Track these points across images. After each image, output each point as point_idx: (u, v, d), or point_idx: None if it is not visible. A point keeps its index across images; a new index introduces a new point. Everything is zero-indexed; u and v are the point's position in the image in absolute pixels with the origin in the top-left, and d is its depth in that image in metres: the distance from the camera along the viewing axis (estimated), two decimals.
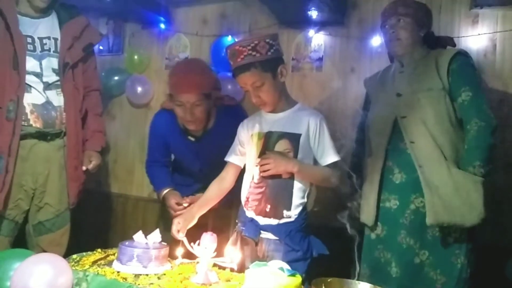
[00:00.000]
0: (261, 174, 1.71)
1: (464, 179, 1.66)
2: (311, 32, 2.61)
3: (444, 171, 1.68)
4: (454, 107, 1.72)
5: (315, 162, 1.77)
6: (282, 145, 1.73)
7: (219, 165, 1.91)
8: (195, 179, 2.15)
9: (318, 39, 2.63)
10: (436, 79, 1.74)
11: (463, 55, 1.77)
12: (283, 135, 1.74)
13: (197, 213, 1.84)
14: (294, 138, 1.73)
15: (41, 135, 1.99)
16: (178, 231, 1.73)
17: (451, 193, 1.66)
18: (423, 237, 1.72)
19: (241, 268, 1.47)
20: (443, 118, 1.71)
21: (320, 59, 2.63)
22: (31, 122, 1.95)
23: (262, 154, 1.75)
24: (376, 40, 2.44)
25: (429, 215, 1.67)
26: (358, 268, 1.50)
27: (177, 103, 1.94)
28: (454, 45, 1.91)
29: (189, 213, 1.83)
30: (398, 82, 1.87)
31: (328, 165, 1.74)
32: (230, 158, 1.88)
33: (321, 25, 2.59)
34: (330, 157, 1.73)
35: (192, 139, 2.07)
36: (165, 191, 2.08)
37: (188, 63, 2.14)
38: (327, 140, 1.75)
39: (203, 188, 1.98)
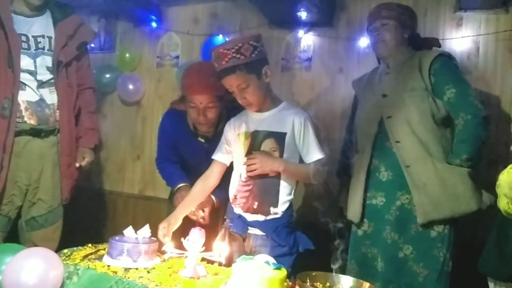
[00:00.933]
0: (248, 174, 1.75)
1: (450, 173, 1.72)
2: (301, 33, 2.65)
3: (430, 168, 1.73)
4: (437, 106, 1.77)
5: (301, 160, 1.81)
6: (268, 144, 1.77)
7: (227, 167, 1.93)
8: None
9: (307, 39, 2.67)
10: (419, 80, 1.79)
11: (445, 56, 1.83)
12: (269, 134, 1.78)
13: (180, 215, 1.85)
14: (279, 137, 1.76)
15: (35, 132, 2.01)
16: (164, 235, 1.74)
17: (438, 189, 1.71)
18: (407, 232, 1.78)
19: (229, 263, 1.51)
20: (427, 117, 1.76)
21: (309, 59, 2.67)
22: (26, 119, 1.97)
23: (249, 153, 1.78)
24: (364, 41, 2.48)
25: (419, 215, 1.73)
26: (340, 263, 1.56)
27: (190, 104, 1.95)
28: (439, 45, 1.97)
29: (173, 216, 1.84)
30: (384, 83, 1.92)
31: (313, 163, 1.78)
32: (216, 156, 1.91)
33: (310, 25, 2.62)
34: (315, 154, 1.77)
35: (202, 140, 2.07)
36: (180, 185, 2.06)
37: (202, 66, 2.09)
38: (312, 138, 1.78)
39: None
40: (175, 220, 1.82)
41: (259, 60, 1.75)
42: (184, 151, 2.14)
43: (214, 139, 2.03)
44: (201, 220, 1.96)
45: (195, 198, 1.91)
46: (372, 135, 1.86)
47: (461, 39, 2.30)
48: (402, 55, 1.89)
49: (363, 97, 2.02)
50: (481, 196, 1.72)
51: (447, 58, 1.83)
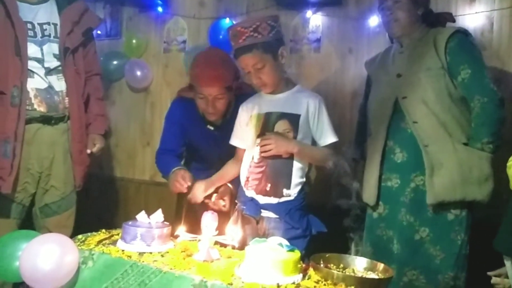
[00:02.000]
0: (262, 155, 1.74)
1: (469, 155, 1.69)
2: (309, 13, 2.61)
3: (449, 148, 1.70)
4: (454, 84, 1.73)
5: (313, 143, 1.79)
6: (281, 125, 1.76)
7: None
8: (212, 166, 2.13)
9: (315, 20, 2.63)
10: (435, 58, 1.74)
11: (462, 33, 1.77)
12: (282, 116, 1.76)
13: (216, 183, 1.94)
14: (293, 119, 1.75)
15: (45, 119, 2.01)
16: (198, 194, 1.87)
17: (455, 170, 1.69)
18: (423, 214, 1.76)
19: (242, 246, 1.51)
20: (443, 97, 1.72)
21: (318, 40, 2.63)
22: (35, 106, 1.97)
23: (262, 134, 1.77)
24: (374, 20, 2.43)
25: (428, 194, 1.71)
26: (355, 245, 1.55)
27: (199, 95, 1.93)
28: (453, 20, 1.91)
29: (209, 180, 1.93)
30: (398, 63, 1.87)
31: (326, 146, 1.77)
32: (235, 142, 1.91)
33: (318, 6, 2.58)
34: (328, 138, 1.77)
35: (211, 127, 2.06)
36: (175, 168, 1.98)
37: (211, 55, 2.00)
38: (326, 121, 1.77)
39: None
40: (211, 183, 1.93)
41: (276, 41, 1.74)
42: (194, 139, 2.12)
43: (223, 127, 2.02)
44: (223, 209, 1.95)
45: (227, 175, 1.96)
46: (387, 116, 1.83)
47: (474, 15, 2.23)
48: (416, 33, 1.83)
49: (377, 78, 1.97)
50: (494, 182, 1.69)
51: (464, 35, 1.77)
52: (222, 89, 1.90)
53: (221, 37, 2.81)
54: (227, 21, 2.80)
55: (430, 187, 1.71)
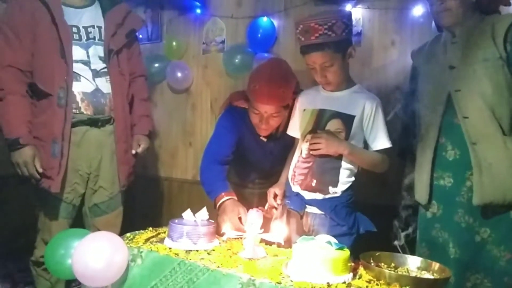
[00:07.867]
0: (311, 153, 1.71)
1: None
2: (349, 7, 2.54)
3: (499, 146, 1.60)
4: None
5: (365, 146, 1.74)
6: (334, 125, 1.72)
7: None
8: (263, 176, 2.14)
9: (356, 13, 2.55)
10: (493, 48, 1.62)
11: None
12: (336, 115, 1.72)
13: (284, 182, 1.89)
14: (347, 119, 1.71)
15: (92, 122, 2.06)
16: (276, 196, 1.85)
17: (505, 171, 1.58)
18: (483, 214, 1.65)
19: (287, 243, 1.49)
20: (501, 90, 1.61)
21: (359, 34, 2.55)
22: (82, 109, 2.02)
23: (313, 130, 1.74)
24: (418, 10, 2.34)
25: (475, 195, 1.61)
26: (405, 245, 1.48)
27: (254, 110, 1.88)
28: (509, 3, 1.76)
29: (280, 183, 1.90)
30: (450, 54, 1.75)
31: (378, 151, 1.72)
32: (293, 133, 1.89)
33: None
34: (382, 142, 1.72)
35: (264, 139, 2.01)
36: (224, 198, 1.84)
37: (273, 72, 1.87)
38: (381, 125, 1.72)
39: (266, 183, 2.04)
40: (283, 186, 1.88)
41: (347, 40, 1.70)
42: (247, 149, 2.06)
43: (276, 138, 1.98)
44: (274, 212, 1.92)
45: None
46: (440, 111, 1.72)
47: None
48: (470, 21, 1.70)
49: (427, 70, 1.86)
50: None
51: None
52: (280, 108, 1.85)
53: (259, 35, 2.81)
54: (264, 20, 2.78)
55: (478, 187, 1.61)
